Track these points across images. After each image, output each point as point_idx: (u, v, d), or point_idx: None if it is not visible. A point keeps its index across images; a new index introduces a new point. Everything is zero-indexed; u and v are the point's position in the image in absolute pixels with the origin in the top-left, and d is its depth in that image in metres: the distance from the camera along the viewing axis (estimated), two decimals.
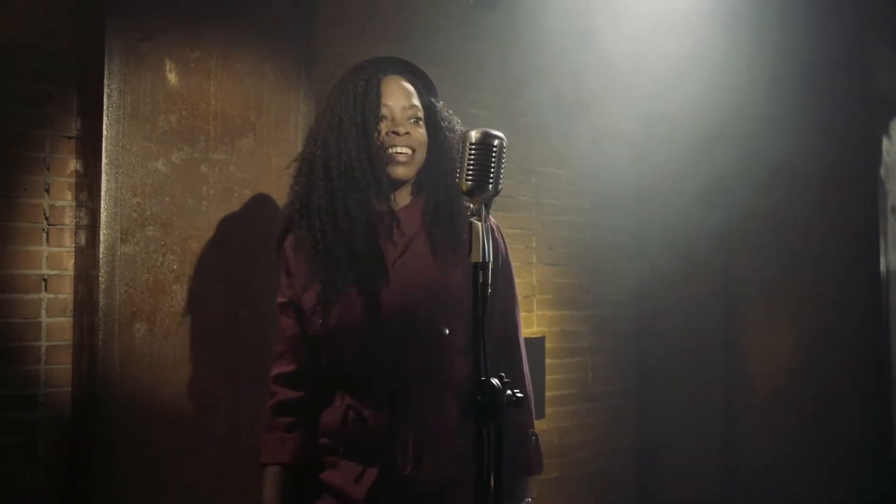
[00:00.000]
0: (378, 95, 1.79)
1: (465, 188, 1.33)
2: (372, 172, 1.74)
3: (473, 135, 1.33)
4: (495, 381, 1.29)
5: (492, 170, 1.31)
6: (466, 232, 1.56)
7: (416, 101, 1.82)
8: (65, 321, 2.53)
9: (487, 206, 1.33)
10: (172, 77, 2.49)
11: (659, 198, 3.99)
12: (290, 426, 1.79)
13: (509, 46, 3.64)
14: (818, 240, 3.51)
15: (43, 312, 2.50)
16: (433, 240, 1.78)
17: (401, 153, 1.77)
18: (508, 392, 1.30)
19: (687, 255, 3.89)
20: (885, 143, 3.40)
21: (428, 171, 1.82)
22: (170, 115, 2.48)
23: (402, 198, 1.82)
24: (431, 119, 1.86)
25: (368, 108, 1.77)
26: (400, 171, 1.78)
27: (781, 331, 3.66)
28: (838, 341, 3.43)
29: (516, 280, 1.86)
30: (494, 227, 1.83)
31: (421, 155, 1.81)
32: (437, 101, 1.89)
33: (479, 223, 1.30)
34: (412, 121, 1.80)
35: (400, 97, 1.80)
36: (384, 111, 1.78)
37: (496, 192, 1.34)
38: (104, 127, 2.38)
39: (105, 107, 2.38)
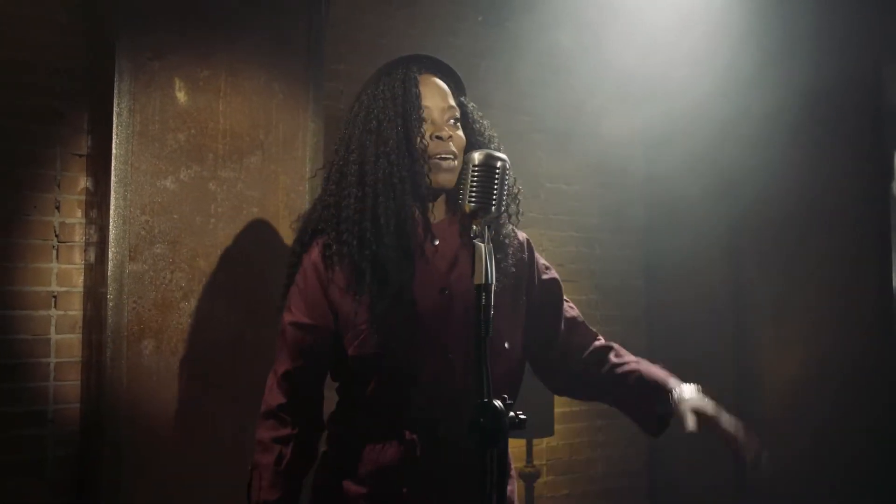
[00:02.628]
0: (418, 95, 1.65)
1: (468, 210, 1.33)
2: (411, 179, 1.60)
3: (476, 156, 1.33)
4: (498, 402, 1.28)
5: (494, 192, 1.31)
6: (504, 249, 1.62)
7: (452, 102, 1.69)
8: (74, 338, 2.54)
9: (490, 228, 1.33)
10: (181, 95, 2.51)
11: (669, 213, 3.97)
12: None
13: (517, 62, 3.65)
14: (829, 256, 3.48)
15: (52, 329, 2.51)
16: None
17: (446, 159, 1.63)
18: (511, 414, 1.29)
19: (697, 272, 3.87)
20: None
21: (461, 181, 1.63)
22: (178, 133, 2.50)
23: (439, 211, 1.70)
24: (465, 122, 1.73)
25: (410, 109, 1.62)
26: (444, 179, 1.63)
27: (792, 346, 3.64)
28: (849, 357, 3.40)
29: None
30: (524, 241, 1.80)
31: (461, 160, 1.65)
32: (468, 102, 1.77)
33: (482, 245, 1.30)
34: (452, 122, 1.67)
35: (438, 97, 1.67)
36: (424, 113, 1.64)
37: (499, 213, 1.34)
38: (113, 145, 2.40)
39: (115, 125, 2.40)
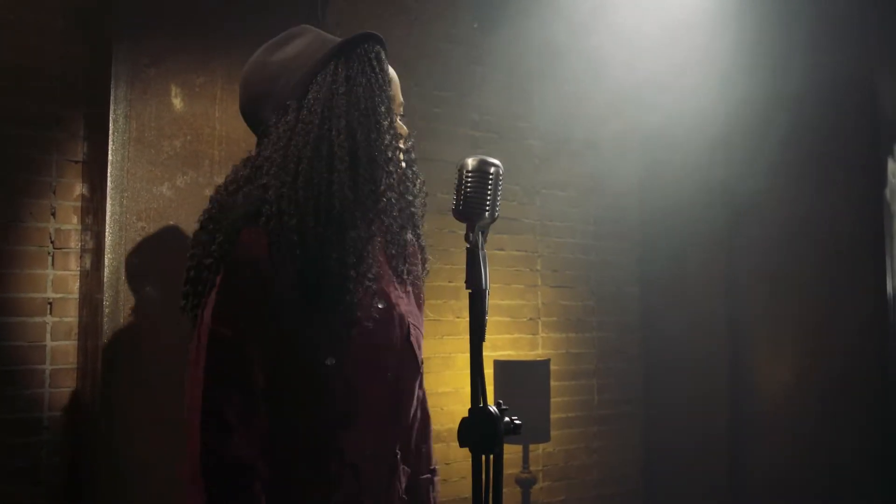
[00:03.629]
0: (390, 82, 1.53)
1: (462, 215, 1.33)
2: (385, 175, 1.48)
3: (470, 162, 1.33)
4: (493, 408, 1.28)
5: (488, 197, 1.31)
6: (417, 265, 1.60)
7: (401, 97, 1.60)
8: (69, 345, 2.54)
9: (484, 234, 1.33)
10: (178, 102, 2.52)
11: (664, 219, 3.98)
12: None
13: (512, 69, 3.66)
14: (823, 261, 3.50)
15: (48, 336, 2.51)
16: (396, 269, 1.56)
17: (400, 157, 1.54)
18: (506, 419, 1.29)
19: (692, 277, 3.88)
20: (891, 165, 3.40)
21: None
22: (174, 139, 2.50)
23: None
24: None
25: (387, 96, 1.50)
26: None
27: (786, 351, 3.65)
28: (842, 359, 3.42)
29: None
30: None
31: None
32: None
33: (477, 251, 1.30)
34: (399, 118, 1.58)
35: (397, 90, 1.57)
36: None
37: (492, 219, 1.34)
38: (110, 151, 2.40)
39: (111, 131, 2.41)
